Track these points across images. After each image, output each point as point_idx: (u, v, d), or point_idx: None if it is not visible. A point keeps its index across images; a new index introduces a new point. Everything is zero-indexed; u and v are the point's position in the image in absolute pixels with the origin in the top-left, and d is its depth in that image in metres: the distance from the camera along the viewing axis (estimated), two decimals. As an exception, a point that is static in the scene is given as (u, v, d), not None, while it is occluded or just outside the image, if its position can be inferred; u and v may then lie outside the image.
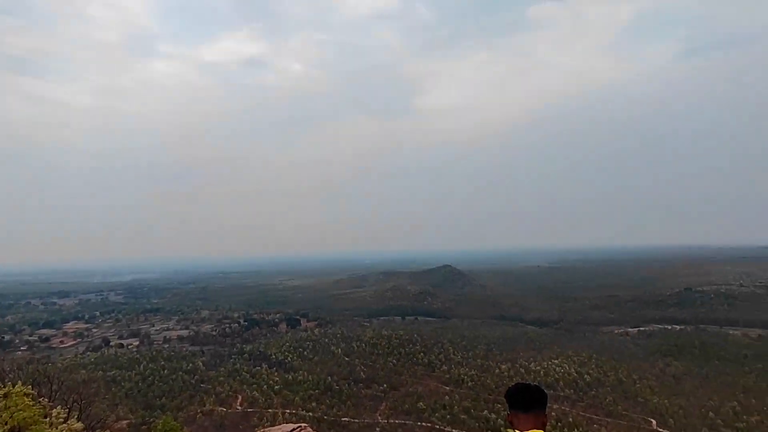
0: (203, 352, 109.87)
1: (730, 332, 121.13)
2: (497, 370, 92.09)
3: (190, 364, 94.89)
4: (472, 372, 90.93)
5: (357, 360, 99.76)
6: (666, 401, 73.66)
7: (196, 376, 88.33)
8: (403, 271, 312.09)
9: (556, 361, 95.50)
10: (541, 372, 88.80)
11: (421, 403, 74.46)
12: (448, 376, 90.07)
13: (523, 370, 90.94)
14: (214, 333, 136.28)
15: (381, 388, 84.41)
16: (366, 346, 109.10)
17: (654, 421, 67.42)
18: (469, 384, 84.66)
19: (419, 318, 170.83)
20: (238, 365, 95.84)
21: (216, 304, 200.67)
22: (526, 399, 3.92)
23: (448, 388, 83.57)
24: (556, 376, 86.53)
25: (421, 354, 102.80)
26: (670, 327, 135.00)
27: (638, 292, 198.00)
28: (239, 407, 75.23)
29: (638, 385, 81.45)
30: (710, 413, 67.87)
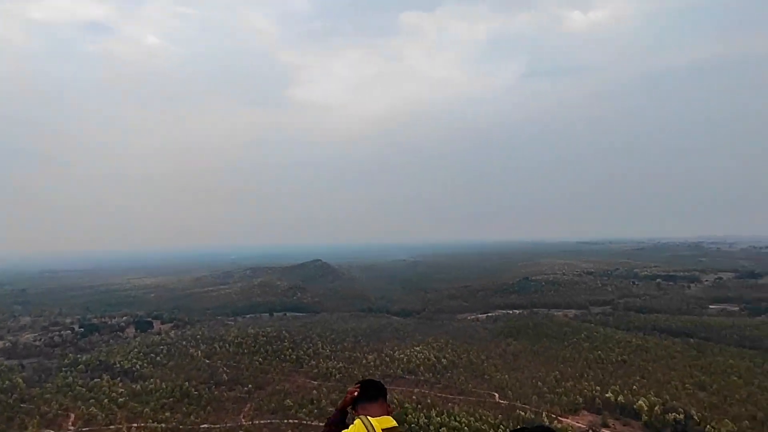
0: (23, 367, 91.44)
1: (555, 314, 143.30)
2: (364, 361, 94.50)
3: (6, 382, 78.18)
4: (340, 365, 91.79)
5: (219, 362, 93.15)
6: (506, 376, 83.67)
7: (14, 395, 73.08)
8: (272, 266, 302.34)
9: (418, 348, 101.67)
10: (405, 359, 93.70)
11: (288, 401, 72.50)
12: (316, 370, 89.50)
13: (388, 359, 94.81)
14: (37, 343, 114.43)
15: (245, 388, 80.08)
16: (230, 346, 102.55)
17: (497, 395, 76.05)
18: (337, 377, 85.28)
19: (288, 314, 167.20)
20: (71, 378, 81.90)
21: (41, 309, 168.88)
22: (372, 391, 4.57)
23: (316, 382, 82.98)
24: (418, 361, 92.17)
25: (290, 350, 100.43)
26: (511, 312, 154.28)
27: (487, 282, 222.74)
28: (71, 427, 64.17)
29: (485, 365, 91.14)
30: (539, 383, 78.95)
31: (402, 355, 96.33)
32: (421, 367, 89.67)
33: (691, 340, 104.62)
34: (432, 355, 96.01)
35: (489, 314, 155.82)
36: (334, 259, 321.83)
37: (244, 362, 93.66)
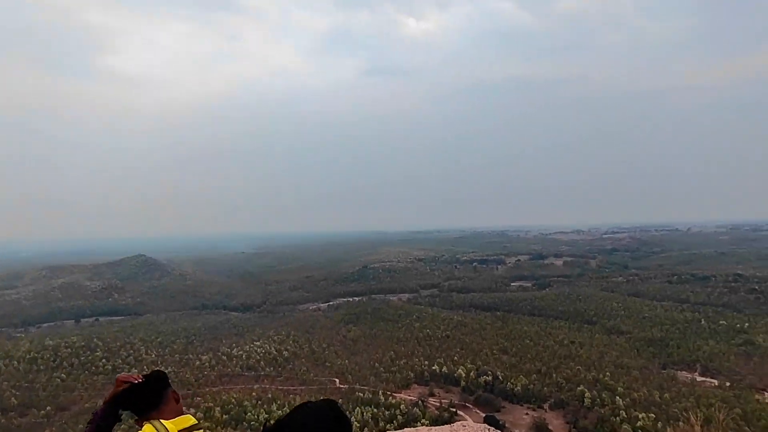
0: None
1: (391, 298, 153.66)
2: (198, 362, 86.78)
3: None
4: (169, 369, 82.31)
5: (6, 383, 74.51)
6: (347, 361, 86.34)
7: None
8: (79, 263, 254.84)
9: (258, 342, 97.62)
10: (243, 356, 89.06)
11: (98, 419, 61.68)
12: (136, 379, 78.36)
13: (225, 357, 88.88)
14: None
15: (42, 412, 65.72)
16: (19, 363, 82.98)
17: (337, 380, 77.86)
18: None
19: (101, 319, 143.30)
20: None
21: None
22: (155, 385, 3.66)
23: (136, 393, 72.57)
24: (258, 356, 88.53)
25: (103, 360, 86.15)
26: (351, 299, 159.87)
27: (328, 271, 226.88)
28: None
29: (327, 352, 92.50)
30: (376, 364, 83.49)
31: (241, 352, 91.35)
32: (262, 362, 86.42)
33: (498, 313, 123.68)
34: (273, 349, 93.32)
35: (330, 303, 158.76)
36: (162, 254, 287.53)
37: (40, 381, 76.85)
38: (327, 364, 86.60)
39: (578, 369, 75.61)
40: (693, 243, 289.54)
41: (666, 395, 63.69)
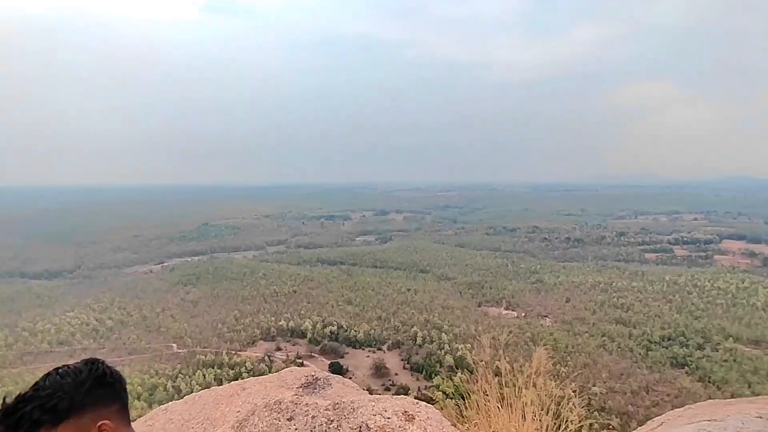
0: None
1: (235, 256, 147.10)
2: (-15, 343, 70.89)
3: None
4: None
5: None
6: (185, 324, 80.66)
7: None
8: None
9: (71, 313, 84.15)
10: (52, 330, 76.01)
11: None
12: None
13: (27, 334, 74.55)
14: None
15: None
16: None
17: (175, 345, 72.48)
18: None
19: None
20: None
21: None
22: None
23: None
24: (72, 329, 76.53)
25: None
26: (190, 259, 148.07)
27: (162, 230, 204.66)
28: None
29: (161, 317, 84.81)
30: (219, 324, 79.98)
31: (48, 325, 77.58)
32: (78, 335, 75.06)
33: (343, 266, 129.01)
34: (93, 318, 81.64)
35: (164, 264, 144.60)
36: None
37: None
38: (162, 329, 79.58)
39: (413, 313, 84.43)
40: (506, 200, 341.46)
41: (480, 328, 75.76)
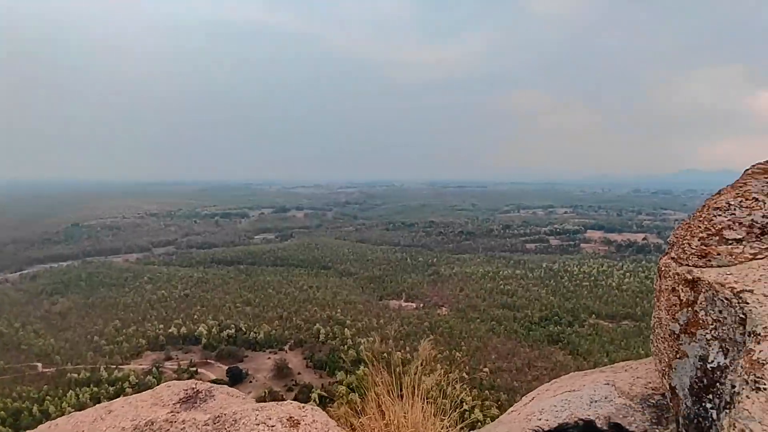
0: None
1: (114, 260, 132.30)
2: None
3: None
4: None
5: None
6: (52, 340, 70.65)
7: None
8: None
9: None
10: None
11: None
12: None
13: None
14: None
15: None
16: None
17: (40, 364, 63.08)
18: None
19: None
20: None
21: None
22: None
23: None
24: None
25: None
26: (57, 265, 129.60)
27: (19, 232, 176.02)
28: None
29: (21, 333, 73.23)
30: (95, 337, 71.46)
31: None
32: None
33: (241, 266, 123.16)
34: (-77, 341, 67.45)
35: (24, 272, 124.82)
36: None
37: None
38: (23, 347, 68.63)
39: (315, 310, 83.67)
40: (405, 196, 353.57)
41: (381, 321, 77.82)
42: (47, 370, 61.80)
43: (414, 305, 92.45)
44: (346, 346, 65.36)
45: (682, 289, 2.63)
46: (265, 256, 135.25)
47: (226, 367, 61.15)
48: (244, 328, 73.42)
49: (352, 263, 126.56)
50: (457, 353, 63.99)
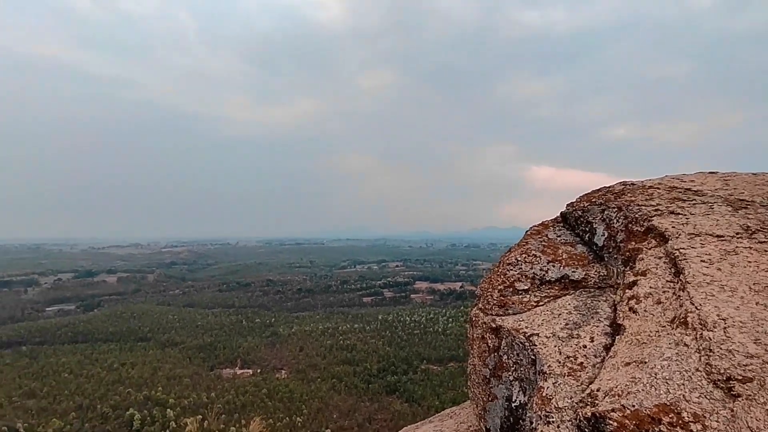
0: None
1: None
2: None
3: None
4: None
5: None
6: None
7: None
8: None
9: None
10: None
11: None
12: None
13: None
14: None
15: None
16: None
17: None
18: None
19: None
20: None
21: None
22: None
23: None
24: None
25: None
26: None
27: None
28: None
29: None
30: None
31: None
32: None
33: (24, 348, 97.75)
34: None
35: None
36: None
37: None
38: None
39: (128, 392, 70.43)
40: (239, 255, 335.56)
41: (213, 394, 69.51)
42: None
43: (251, 371, 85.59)
44: (168, 430, 56.13)
45: (489, 337, 3.00)
46: (60, 332, 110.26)
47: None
48: (23, 429, 57.09)
49: (177, 331, 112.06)
50: (298, 418, 60.68)
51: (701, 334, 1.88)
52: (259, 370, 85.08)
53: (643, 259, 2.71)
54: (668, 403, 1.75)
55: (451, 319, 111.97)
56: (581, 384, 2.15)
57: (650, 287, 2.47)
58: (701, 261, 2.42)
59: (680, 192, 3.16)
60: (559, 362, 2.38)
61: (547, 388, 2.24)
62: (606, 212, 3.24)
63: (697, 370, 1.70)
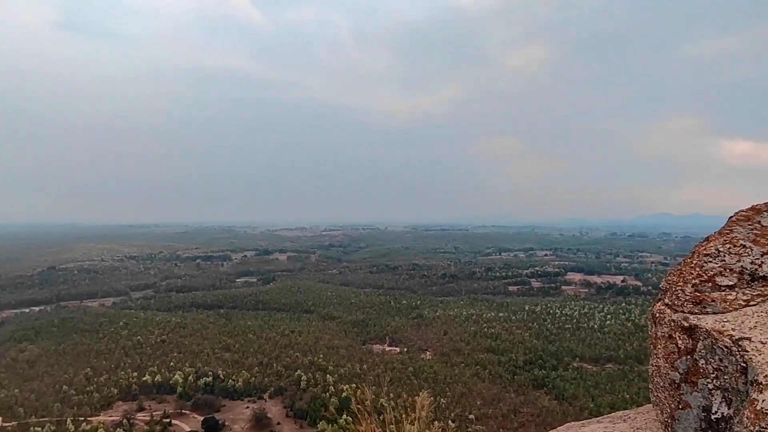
0: None
1: (89, 304, 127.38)
2: None
3: None
4: None
5: None
6: (16, 391, 66.47)
7: None
8: None
9: None
10: None
11: None
12: None
13: None
14: None
15: None
16: None
17: (0, 418, 58.81)
18: None
19: None
20: None
21: None
22: None
23: None
24: None
25: None
26: (28, 309, 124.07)
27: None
28: None
29: (-16, 383, 68.67)
30: (64, 386, 67.65)
31: None
32: None
33: (221, 310, 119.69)
34: None
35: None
36: None
37: None
38: (-17, 398, 64.18)
39: (296, 355, 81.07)
40: (388, 239, 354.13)
41: (365, 366, 75.59)
42: (7, 424, 57.66)
43: (398, 349, 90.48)
44: (328, 394, 63.03)
45: (679, 337, 2.64)
46: (247, 300, 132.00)
47: (202, 418, 57.98)
48: (222, 376, 70.39)
49: (335, 307, 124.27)
50: (442, 399, 62.12)
51: None
52: (405, 349, 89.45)
53: None
54: None
55: (609, 316, 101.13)
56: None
57: None
58: None
59: None
60: (780, 373, 1.98)
61: (763, 401, 1.97)
62: None
63: None
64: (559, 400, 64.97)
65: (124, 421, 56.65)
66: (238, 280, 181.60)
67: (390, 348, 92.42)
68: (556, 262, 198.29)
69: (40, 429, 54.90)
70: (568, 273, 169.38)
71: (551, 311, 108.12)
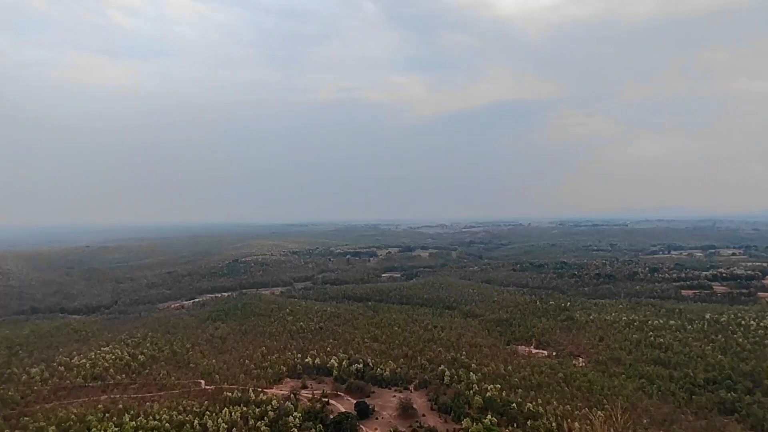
0: None
1: (263, 292, 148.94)
2: (25, 377, 73.32)
3: None
4: (-19, 388, 68.08)
5: None
6: (213, 361, 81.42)
7: None
8: None
9: (106, 348, 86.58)
10: (87, 364, 78.07)
11: None
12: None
13: (63, 368, 76.77)
14: None
15: None
16: None
17: (203, 382, 73.03)
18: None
19: None
20: None
21: None
22: None
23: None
24: (106, 364, 78.38)
25: None
26: (219, 295, 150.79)
27: (193, 266, 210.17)
28: None
29: (191, 353, 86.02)
30: (246, 361, 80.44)
31: (84, 360, 79.76)
32: (111, 370, 76.65)
33: (369, 303, 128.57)
34: (126, 353, 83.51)
35: (195, 300, 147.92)
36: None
37: None
38: (191, 365, 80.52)
39: (439, 351, 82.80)
40: (532, 236, 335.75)
41: (509, 367, 73.50)
42: (208, 387, 71.18)
43: (545, 353, 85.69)
44: (471, 391, 63.05)
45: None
46: (392, 294, 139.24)
47: (354, 401, 63.44)
48: (371, 364, 75.79)
49: (477, 304, 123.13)
50: (599, 412, 56.98)
51: None
52: (554, 353, 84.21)
53: None
54: None
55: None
56: None
57: None
58: None
59: None
60: None
61: None
62: None
63: None
64: (756, 431, 54.04)
65: (292, 396, 65.19)
66: (383, 275, 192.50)
67: (537, 350, 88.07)
68: (749, 263, 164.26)
69: (230, 394, 66.48)
70: (767, 277, 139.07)
71: (743, 322, 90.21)
